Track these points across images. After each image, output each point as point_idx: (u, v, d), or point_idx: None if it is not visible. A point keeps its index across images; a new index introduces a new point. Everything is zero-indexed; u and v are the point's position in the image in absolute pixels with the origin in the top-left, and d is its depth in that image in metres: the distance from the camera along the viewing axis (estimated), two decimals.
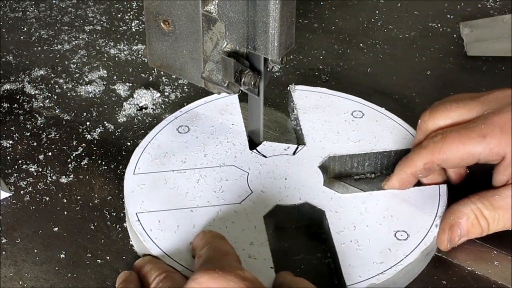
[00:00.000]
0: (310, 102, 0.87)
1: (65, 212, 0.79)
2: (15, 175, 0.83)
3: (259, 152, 0.81)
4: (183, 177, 0.78)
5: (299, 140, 0.85)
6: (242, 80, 0.75)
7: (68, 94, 0.95)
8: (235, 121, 0.84)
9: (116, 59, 1.01)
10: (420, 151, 0.75)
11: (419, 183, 0.78)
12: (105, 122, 0.91)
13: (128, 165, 0.80)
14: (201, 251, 0.67)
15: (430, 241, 0.72)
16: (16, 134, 0.89)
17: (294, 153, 0.81)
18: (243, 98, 0.86)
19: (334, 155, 0.81)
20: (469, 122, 0.74)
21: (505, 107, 0.73)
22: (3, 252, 0.75)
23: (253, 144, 0.83)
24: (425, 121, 0.77)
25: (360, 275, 0.69)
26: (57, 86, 0.96)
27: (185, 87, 0.96)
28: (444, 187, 0.77)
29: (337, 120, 0.85)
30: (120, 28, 1.07)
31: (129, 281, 0.70)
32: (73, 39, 1.05)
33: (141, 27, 1.07)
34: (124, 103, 0.93)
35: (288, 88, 0.88)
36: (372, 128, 0.84)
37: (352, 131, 0.84)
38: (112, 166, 0.85)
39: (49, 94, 0.95)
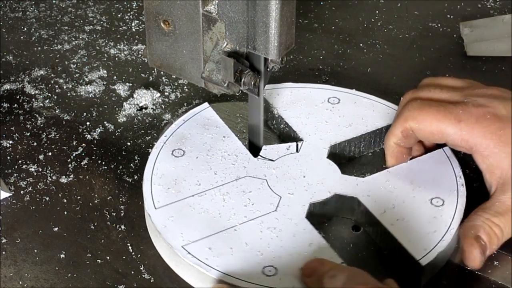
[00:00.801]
0: (283, 98, 0.88)
1: (65, 212, 0.79)
2: (15, 175, 0.83)
3: (264, 157, 0.81)
4: (206, 200, 0.76)
5: (286, 138, 0.86)
6: (242, 80, 0.75)
7: (68, 94, 0.95)
8: (224, 133, 0.84)
9: (116, 59, 1.01)
10: (396, 120, 0.79)
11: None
12: (105, 122, 0.91)
13: (145, 202, 0.76)
14: (333, 271, 0.67)
15: (464, 201, 0.76)
16: (16, 134, 0.89)
17: (297, 151, 0.82)
18: (215, 100, 0.88)
19: (335, 143, 0.83)
20: (449, 103, 0.77)
21: (486, 102, 0.76)
22: (3, 252, 0.75)
23: (252, 145, 0.83)
24: (408, 100, 0.80)
25: (425, 248, 0.71)
26: (57, 86, 0.96)
27: (185, 87, 0.96)
28: (447, 149, 0.80)
29: (318, 110, 0.87)
30: (120, 28, 1.07)
31: None
32: (73, 39, 1.05)
33: (141, 27, 1.07)
34: (124, 103, 0.93)
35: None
36: (354, 110, 0.87)
37: (339, 117, 0.86)
38: (112, 166, 0.85)
39: (49, 94, 0.95)
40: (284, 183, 0.78)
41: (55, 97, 0.95)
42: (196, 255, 0.71)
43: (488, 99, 0.77)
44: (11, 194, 0.81)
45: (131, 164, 0.85)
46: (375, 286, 0.64)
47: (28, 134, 0.89)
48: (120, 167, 0.84)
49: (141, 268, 0.74)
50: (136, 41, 1.04)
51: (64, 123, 0.91)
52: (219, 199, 0.76)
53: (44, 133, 0.89)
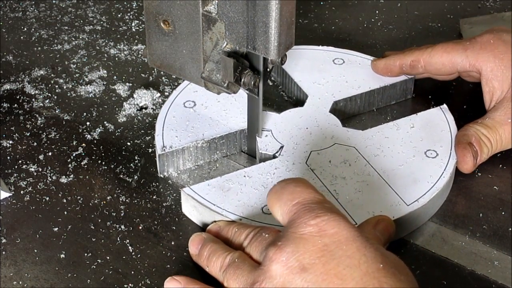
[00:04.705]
0: (290, 58, 0.91)
1: (65, 212, 0.79)
2: (15, 175, 0.83)
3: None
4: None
5: (295, 95, 0.91)
6: (242, 80, 0.75)
7: (68, 94, 0.95)
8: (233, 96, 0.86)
9: (116, 59, 1.01)
10: (412, 50, 0.90)
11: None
12: (105, 122, 0.91)
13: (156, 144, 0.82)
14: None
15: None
16: (16, 134, 0.89)
17: (302, 105, 0.87)
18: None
19: (339, 99, 0.88)
20: (457, 39, 0.90)
21: (488, 32, 0.87)
22: (3, 252, 0.75)
23: (251, 145, 0.83)
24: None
25: (416, 194, 0.77)
26: (57, 86, 0.96)
27: None
28: (444, 107, 0.87)
29: (324, 69, 0.92)
30: (120, 28, 1.07)
31: (208, 241, 0.71)
32: (73, 39, 1.05)
33: (141, 27, 1.07)
34: (124, 103, 0.93)
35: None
36: (359, 70, 0.92)
37: (343, 76, 0.91)
38: (112, 166, 0.85)
39: (49, 94, 0.95)
40: (288, 134, 0.83)
41: (55, 97, 0.95)
42: (203, 195, 0.77)
43: (491, 32, 0.87)
44: (11, 194, 0.81)
45: (131, 164, 0.85)
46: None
47: (28, 134, 0.89)
48: (120, 167, 0.84)
49: (141, 268, 0.74)
50: (136, 41, 1.04)
51: (64, 123, 0.91)
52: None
53: (44, 133, 0.89)
